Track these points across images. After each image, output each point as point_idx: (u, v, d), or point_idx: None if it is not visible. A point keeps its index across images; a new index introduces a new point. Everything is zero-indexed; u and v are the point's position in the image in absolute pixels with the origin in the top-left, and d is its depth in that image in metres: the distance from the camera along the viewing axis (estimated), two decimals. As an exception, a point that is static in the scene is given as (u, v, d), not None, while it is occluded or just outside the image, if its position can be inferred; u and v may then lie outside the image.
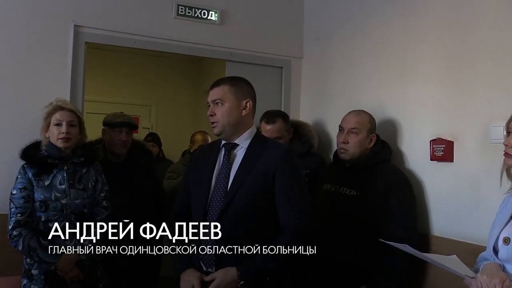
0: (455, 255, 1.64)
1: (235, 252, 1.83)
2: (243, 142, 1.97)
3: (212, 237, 1.85)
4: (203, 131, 3.99)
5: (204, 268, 1.89)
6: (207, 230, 1.86)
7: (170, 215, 2.11)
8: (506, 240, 1.52)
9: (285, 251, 1.83)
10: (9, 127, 2.65)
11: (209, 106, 1.97)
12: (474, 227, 2.13)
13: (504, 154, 1.57)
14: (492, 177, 2.07)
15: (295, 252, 1.86)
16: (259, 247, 1.82)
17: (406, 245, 1.62)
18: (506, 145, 1.56)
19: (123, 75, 5.44)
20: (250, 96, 1.99)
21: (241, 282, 1.79)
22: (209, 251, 1.86)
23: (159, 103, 5.72)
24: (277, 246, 1.82)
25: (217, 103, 1.93)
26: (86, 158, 2.43)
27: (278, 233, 1.86)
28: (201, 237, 1.88)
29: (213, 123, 1.95)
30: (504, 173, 1.62)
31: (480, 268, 1.56)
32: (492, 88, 2.11)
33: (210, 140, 3.66)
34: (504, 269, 1.51)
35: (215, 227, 1.85)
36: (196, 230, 1.91)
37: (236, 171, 1.91)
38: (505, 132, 1.61)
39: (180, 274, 1.89)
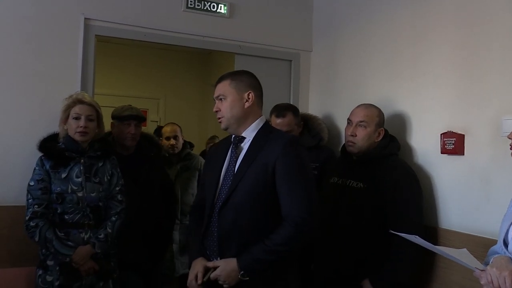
0: (465, 249, 1.64)
1: (236, 244, 1.86)
2: (249, 134, 1.97)
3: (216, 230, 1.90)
4: (172, 122, 3.91)
5: (211, 259, 1.93)
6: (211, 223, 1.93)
7: (191, 207, 2.24)
8: None
9: (284, 244, 1.81)
10: (22, 120, 2.67)
11: (216, 103, 2.00)
12: (484, 221, 2.13)
13: (510, 148, 1.57)
14: (503, 171, 2.07)
15: (296, 245, 1.86)
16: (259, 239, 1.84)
17: (417, 236, 1.62)
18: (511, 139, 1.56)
19: (131, 69, 5.46)
20: (252, 88, 1.97)
21: (241, 272, 1.81)
22: (213, 242, 1.90)
23: (167, 97, 5.74)
24: (274, 238, 1.81)
25: (220, 98, 1.96)
26: (102, 152, 2.45)
27: (278, 227, 1.83)
28: (208, 229, 1.94)
29: (219, 118, 1.98)
30: None
31: (490, 261, 1.56)
32: (504, 81, 2.10)
33: (179, 132, 3.64)
34: None
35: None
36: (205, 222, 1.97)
37: (239, 164, 1.93)
38: None
39: (191, 262, 1.96)
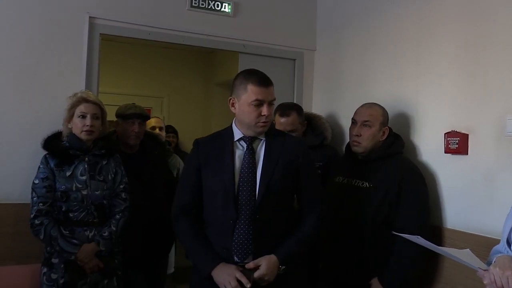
0: (468, 249, 1.64)
1: (271, 241, 1.92)
2: (261, 135, 2.01)
3: (249, 229, 1.90)
4: (157, 117, 3.95)
5: (238, 260, 1.90)
6: (242, 224, 1.91)
7: (176, 210, 2.05)
8: None
9: (314, 235, 2.01)
10: (26, 118, 2.68)
11: (261, 103, 1.93)
12: (488, 220, 2.13)
13: None
14: (507, 170, 2.07)
15: (320, 234, 2.05)
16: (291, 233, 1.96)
17: (419, 237, 1.62)
18: None
19: (135, 67, 5.46)
20: None
21: (282, 267, 1.89)
22: (246, 243, 1.89)
23: (171, 95, 5.74)
24: (305, 230, 1.98)
25: (272, 103, 1.99)
26: (106, 150, 2.46)
27: (304, 219, 2.01)
28: (235, 231, 1.91)
29: (267, 122, 1.97)
30: None
31: (493, 261, 1.56)
32: (508, 80, 2.10)
33: (163, 126, 3.66)
34: None
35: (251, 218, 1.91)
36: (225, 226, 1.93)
37: (263, 163, 1.96)
38: None
39: (211, 270, 1.88)
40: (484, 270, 1.50)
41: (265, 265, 1.85)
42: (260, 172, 1.94)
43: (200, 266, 1.94)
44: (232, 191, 1.92)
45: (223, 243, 1.91)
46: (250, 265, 1.87)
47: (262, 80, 1.95)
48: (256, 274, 1.84)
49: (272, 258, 1.87)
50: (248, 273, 1.84)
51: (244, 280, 1.81)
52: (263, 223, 1.91)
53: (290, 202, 2.05)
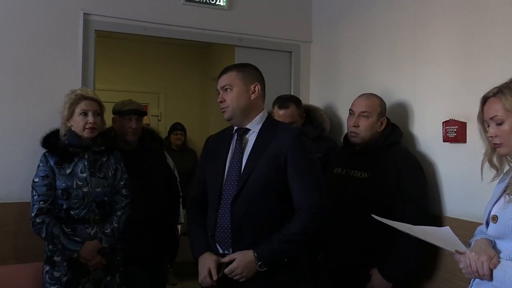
0: (448, 227, 1.66)
1: (251, 235, 1.86)
2: (254, 127, 2.00)
3: (227, 220, 1.89)
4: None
5: (221, 251, 1.93)
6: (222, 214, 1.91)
7: (188, 200, 2.18)
8: (494, 218, 1.53)
9: (301, 233, 1.84)
10: (24, 116, 2.68)
11: (219, 93, 2.00)
12: (487, 208, 2.13)
13: (494, 146, 1.57)
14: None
15: (311, 233, 1.88)
16: (276, 229, 1.84)
17: (396, 222, 1.67)
18: (491, 137, 1.56)
19: (131, 63, 5.45)
20: (258, 80, 2.01)
21: (259, 263, 1.81)
22: (226, 232, 1.89)
23: (167, 91, 5.74)
24: (291, 227, 1.84)
25: (226, 89, 1.97)
26: (106, 147, 2.45)
27: (293, 215, 1.87)
28: (217, 221, 1.92)
29: (223, 108, 1.98)
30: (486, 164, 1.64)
31: (471, 244, 1.58)
32: (505, 67, 2.09)
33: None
34: (495, 245, 1.53)
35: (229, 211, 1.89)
36: (211, 215, 1.96)
37: (248, 155, 1.94)
38: (479, 126, 1.64)
39: (198, 257, 1.94)
40: (461, 254, 1.51)
41: (237, 260, 1.82)
42: (244, 164, 1.93)
43: (192, 252, 2.01)
44: (220, 181, 1.95)
45: (210, 230, 1.95)
46: (226, 259, 1.86)
47: (221, 71, 2.01)
48: (227, 269, 1.83)
49: (248, 254, 1.81)
50: (224, 266, 1.85)
51: (213, 272, 1.85)
52: (242, 217, 1.87)
53: (279, 196, 1.89)
